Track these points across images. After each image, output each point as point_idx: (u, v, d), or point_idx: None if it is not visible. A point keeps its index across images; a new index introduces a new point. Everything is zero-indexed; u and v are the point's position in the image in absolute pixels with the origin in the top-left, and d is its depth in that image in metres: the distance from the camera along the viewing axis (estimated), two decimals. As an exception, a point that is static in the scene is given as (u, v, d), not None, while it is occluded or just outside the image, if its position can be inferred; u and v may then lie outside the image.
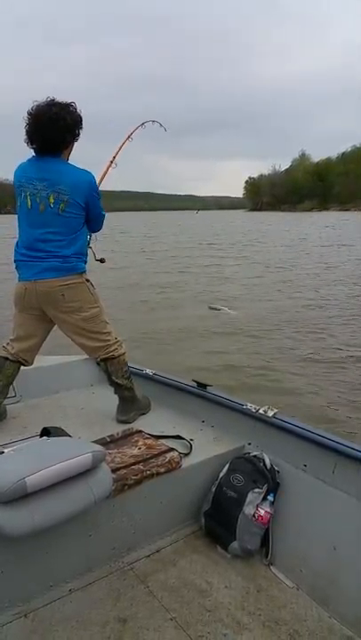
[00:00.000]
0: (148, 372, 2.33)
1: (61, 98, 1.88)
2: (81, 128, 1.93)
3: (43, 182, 1.86)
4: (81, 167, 1.95)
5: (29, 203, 1.89)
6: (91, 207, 1.96)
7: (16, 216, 1.98)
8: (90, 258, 2.10)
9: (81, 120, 1.92)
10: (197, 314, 7.79)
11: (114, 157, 2.54)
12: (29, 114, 1.84)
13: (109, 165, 2.49)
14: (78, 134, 1.93)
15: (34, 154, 1.91)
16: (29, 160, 1.93)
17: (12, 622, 1.33)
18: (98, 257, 2.23)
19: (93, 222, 2.04)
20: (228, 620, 1.36)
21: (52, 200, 1.86)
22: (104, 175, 2.45)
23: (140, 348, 5.42)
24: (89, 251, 2.11)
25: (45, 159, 1.89)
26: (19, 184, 1.92)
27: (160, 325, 6.92)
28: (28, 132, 1.86)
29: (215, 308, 7.97)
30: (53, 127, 1.82)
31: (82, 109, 1.91)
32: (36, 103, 1.85)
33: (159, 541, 1.67)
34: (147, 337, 6.26)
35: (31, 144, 1.87)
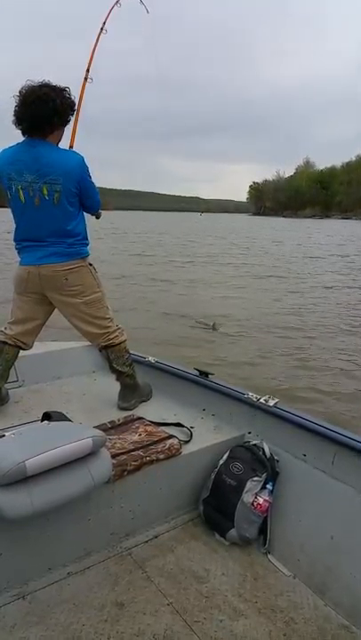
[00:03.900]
0: (150, 359, 2.33)
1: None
2: (72, 114, 1.87)
3: (33, 174, 1.79)
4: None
5: (22, 197, 1.82)
6: (83, 189, 1.90)
7: (9, 210, 1.92)
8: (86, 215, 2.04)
9: (73, 106, 1.86)
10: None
11: (88, 69, 2.26)
12: (20, 93, 1.77)
13: (84, 83, 2.26)
14: (68, 120, 1.86)
15: (21, 136, 1.83)
16: (16, 147, 1.83)
17: (9, 604, 1.34)
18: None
19: (90, 202, 1.97)
20: (225, 606, 1.37)
21: (45, 192, 1.81)
22: (82, 93, 2.25)
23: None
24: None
25: (33, 143, 1.80)
26: (8, 177, 1.83)
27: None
28: (16, 112, 1.78)
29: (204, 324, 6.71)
30: (42, 107, 1.75)
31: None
32: (28, 82, 1.78)
33: (158, 527, 1.68)
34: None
35: (18, 124, 1.80)
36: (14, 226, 1.95)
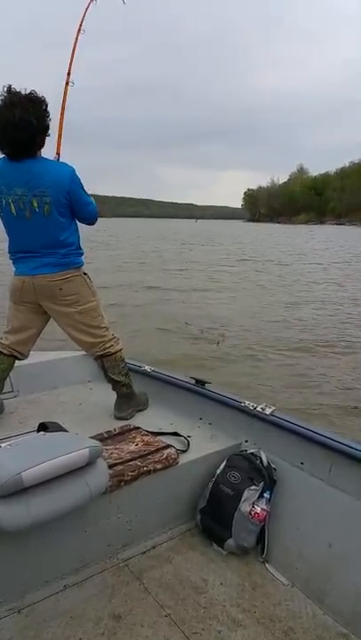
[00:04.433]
0: (146, 368, 2.33)
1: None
2: (48, 116, 1.78)
3: (22, 187, 1.78)
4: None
5: (14, 210, 1.82)
6: (74, 200, 1.88)
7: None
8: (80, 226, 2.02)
9: (46, 109, 1.77)
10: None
11: (68, 72, 2.17)
12: None
13: (66, 87, 2.19)
14: (48, 127, 1.80)
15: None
16: (2, 161, 1.81)
17: (5, 618, 1.33)
18: None
19: (83, 213, 1.95)
20: (223, 616, 1.36)
21: (35, 204, 1.80)
22: (64, 97, 2.16)
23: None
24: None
25: (21, 161, 1.77)
26: None
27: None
28: None
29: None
30: (20, 135, 1.70)
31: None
32: None
33: (155, 538, 1.67)
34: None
35: (1, 149, 1.76)
36: (6, 238, 1.95)
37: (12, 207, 1.82)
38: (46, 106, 1.78)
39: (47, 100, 1.78)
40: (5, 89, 1.71)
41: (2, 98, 1.70)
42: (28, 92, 1.73)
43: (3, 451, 1.38)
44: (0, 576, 1.34)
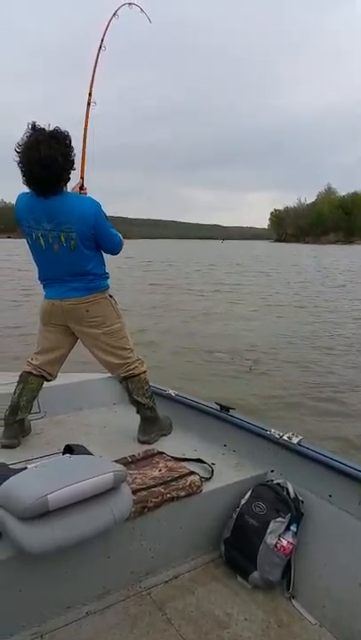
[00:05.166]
0: (171, 392, 2.33)
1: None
2: (73, 153, 1.82)
3: (51, 223, 1.84)
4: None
5: (43, 243, 1.88)
6: (98, 234, 1.92)
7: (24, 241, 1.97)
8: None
9: (70, 144, 1.80)
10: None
11: (90, 93, 2.12)
12: (17, 152, 1.75)
13: (88, 108, 2.17)
14: (73, 162, 1.84)
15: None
16: (32, 197, 1.84)
17: None
18: None
19: (107, 244, 2.00)
20: None
21: (63, 239, 1.86)
22: (87, 119, 2.14)
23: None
24: None
25: (47, 197, 1.81)
26: (27, 225, 1.88)
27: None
28: (22, 173, 1.78)
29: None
30: (47, 173, 1.74)
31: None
32: (24, 137, 1.74)
33: (178, 567, 1.63)
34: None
35: (28, 186, 1.82)
36: (35, 266, 2.03)
37: (41, 241, 1.89)
38: (70, 141, 1.82)
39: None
40: (30, 126, 1.76)
41: (27, 135, 1.76)
42: (52, 129, 1.77)
43: (29, 473, 1.40)
44: (23, 599, 1.33)
